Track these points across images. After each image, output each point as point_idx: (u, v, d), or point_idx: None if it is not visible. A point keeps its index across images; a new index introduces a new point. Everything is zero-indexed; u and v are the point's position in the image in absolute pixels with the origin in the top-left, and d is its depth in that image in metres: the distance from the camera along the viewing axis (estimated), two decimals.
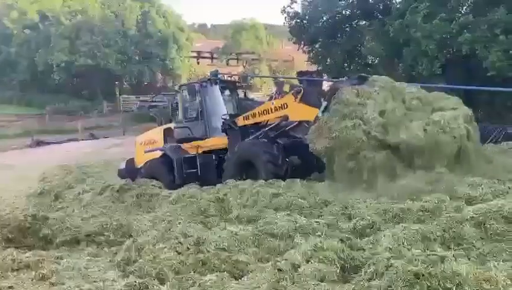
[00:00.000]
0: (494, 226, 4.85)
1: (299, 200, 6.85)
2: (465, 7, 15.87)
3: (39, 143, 26.53)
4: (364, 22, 20.14)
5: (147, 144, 12.81)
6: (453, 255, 3.70)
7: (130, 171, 12.47)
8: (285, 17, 22.20)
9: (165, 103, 36.80)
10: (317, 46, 22.14)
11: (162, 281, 4.20)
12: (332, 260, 4.07)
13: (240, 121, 10.93)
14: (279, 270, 3.94)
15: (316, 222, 5.45)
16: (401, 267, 3.38)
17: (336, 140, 8.14)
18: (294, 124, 10.72)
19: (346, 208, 6.40)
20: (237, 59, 51.43)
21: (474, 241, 4.69)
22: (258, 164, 9.88)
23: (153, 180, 10.02)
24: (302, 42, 22.39)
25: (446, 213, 5.47)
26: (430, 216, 5.48)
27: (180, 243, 4.76)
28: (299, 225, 5.25)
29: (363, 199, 6.80)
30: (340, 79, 10.15)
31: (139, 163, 12.61)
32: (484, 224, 4.94)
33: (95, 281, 4.40)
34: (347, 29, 21.30)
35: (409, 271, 3.29)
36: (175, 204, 7.77)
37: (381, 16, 19.06)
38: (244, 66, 49.51)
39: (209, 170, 11.14)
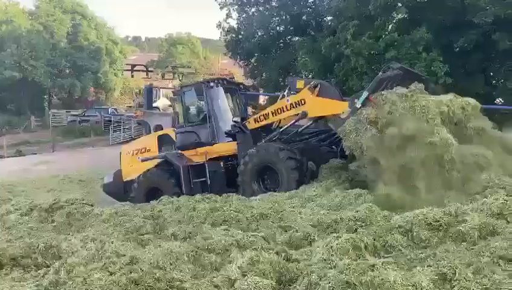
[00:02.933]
0: (419, 233, 5.13)
1: (236, 214, 6.86)
2: (390, 26, 16.77)
3: None
4: (297, 38, 20.71)
5: (137, 153, 11.67)
6: (382, 263, 3.84)
7: (118, 186, 11.55)
8: (221, 32, 22.42)
9: (97, 117, 35.74)
10: (253, 60, 22.48)
11: None
12: (268, 273, 4.10)
13: (251, 124, 10.10)
14: (216, 286, 3.91)
15: (253, 235, 5.47)
16: (333, 277, 3.49)
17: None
18: (310, 123, 10.05)
19: (282, 220, 6.51)
20: (173, 72, 51.01)
21: (402, 249, 4.93)
22: (281, 171, 9.15)
23: (84, 198, 9.49)
24: (238, 57, 22.66)
25: (376, 222, 5.72)
26: (362, 225, 5.69)
27: (112, 262, 4.58)
28: (236, 239, 5.24)
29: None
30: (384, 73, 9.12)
31: (128, 176, 11.53)
32: (411, 231, 5.21)
33: None
34: (281, 44, 21.83)
35: (340, 281, 3.39)
36: (108, 223, 7.48)
37: (313, 32, 19.71)
38: (180, 80, 49.10)
39: (218, 178, 10.28)
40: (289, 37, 21.77)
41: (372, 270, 3.62)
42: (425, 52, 14.68)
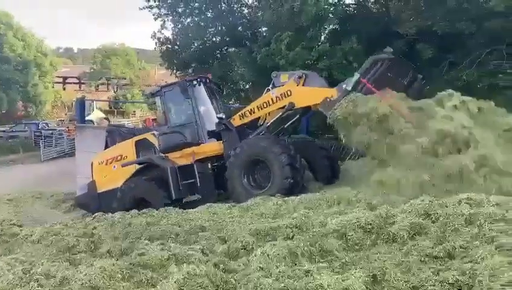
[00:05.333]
0: (353, 236, 5.29)
1: (175, 227, 6.75)
2: (322, 37, 17.32)
3: None
4: (233, 49, 20.86)
5: (111, 162, 11.11)
6: (317, 268, 3.93)
7: (92, 198, 10.89)
8: (156, 43, 22.12)
9: (27, 133, 33.95)
10: (190, 71, 22.34)
11: None
12: (205, 286, 4.06)
13: (236, 120, 9.83)
14: None
15: (191, 248, 5.41)
16: (269, 285, 3.52)
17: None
18: (297, 117, 9.80)
19: (221, 231, 6.49)
20: (107, 84, 49.64)
21: (337, 253, 5.06)
22: (273, 166, 8.77)
23: (12, 218, 8.97)
24: (175, 67, 22.44)
25: (312, 228, 5.84)
26: (298, 232, 5.79)
27: (40, 285, 4.35)
28: (173, 253, 5.16)
29: None
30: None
31: (102, 187, 10.94)
32: (345, 235, 5.37)
33: None
34: (218, 55, 21.87)
35: (275, 288, 3.42)
36: (38, 243, 7.10)
37: (249, 43, 19.94)
38: (114, 92, 47.90)
39: (207, 180, 9.88)
40: (225, 48, 21.88)
41: (307, 276, 3.69)
42: (355, 62, 15.27)
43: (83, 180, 15.42)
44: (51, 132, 32.31)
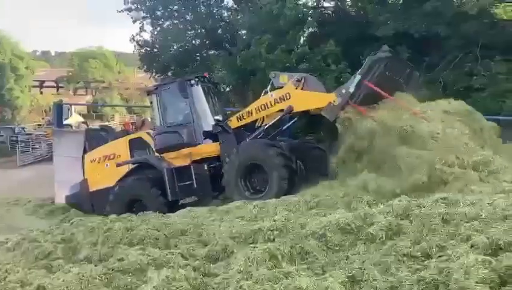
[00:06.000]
0: (332, 237, 5.33)
1: (154, 232, 6.70)
2: (302, 40, 17.43)
3: None
4: (213, 52, 20.83)
5: (104, 160, 10.82)
6: (297, 270, 3.95)
7: (84, 197, 10.60)
8: (135, 46, 21.94)
9: (2, 137, 33.28)
10: (169, 74, 22.20)
11: None
12: None
13: (234, 122, 9.65)
14: None
15: (170, 252, 5.38)
16: (249, 287, 3.52)
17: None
18: (295, 119, 9.70)
19: (201, 235, 6.46)
20: (86, 88, 49.01)
21: (317, 254, 5.09)
22: (269, 168, 8.64)
23: None
24: (154, 70, 22.29)
25: (293, 230, 5.86)
26: (279, 234, 5.80)
27: None
28: (153, 257, 5.12)
29: None
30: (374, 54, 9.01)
31: (95, 185, 10.62)
32: (325, 237, 5.41)
33: None
34: (198, 58, 21.80)
35: None
36: (14, 250, 6.97)
37: (229, 46, 19.94)
38: (93, 95, 47.32)
39: (204, 181, 9.62)
40: (205, 51, 21.82)
41: (287, 278, 3.71)
42: (334, 65, 15.41)
43: (61, 185, 15.25)
44: (27, 136, 31.74)
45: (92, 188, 10.81)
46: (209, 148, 10.04)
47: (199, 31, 21.09)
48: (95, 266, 5.30)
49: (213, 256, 5.43)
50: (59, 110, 17.77)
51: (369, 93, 8.53)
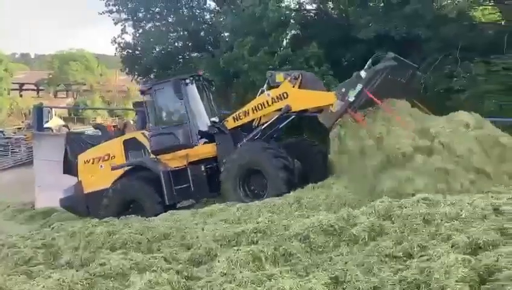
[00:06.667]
0: (316, 239, 5.36)
1: (137, 236, 6.63)
2: (284, 42, 17.49)
3: None
4: (196, 54, 20.77)
5: (98, 161, 10.58)
6: (281, 272, 3.95)
7: (79, 199, 10.34)
8: (116, 48, 21.74)
9: None
10: (152, 76, 22.06)
11: None
12: None
13: (230, 123, 9.46)
14: None
15: (153, 256, 5.33)
16: None
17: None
18: (292, 118, 9.48)
19: (184, 238, 6.42)
20: (66, 90, 48.41)
21: (300, 256, 5.10)
22: (268, 172, 8.49)
23: None
24: (136, 73, 22.13)
25: (276, 232, 5.87)
26: (262, 236, 5.80)
27: None
28: (135, 262, 5.07)
29: None
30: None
31: (89, 187, 10.37)
32: (308, 238, 5.43)
33: None
34: (180, 60, 21.71)
35: None
36: None
37: (211, 48, 19.90)
38: (74, 98, 46.75)
39: (201, 183, 9.45)
40: (188, 53, 21.74)
41: (270, 280, 3.71)
42: (317, 67, 15.50)
43: (42, 189, 15.01)
44: (6, 140, 31.19)
45: (87, 190, 10.59)
46: (206, 149, 9.90)
47: (181, 33, 21.01)
48: (77, 271, 5.22)
49: (196, 259, 5.42)
50: (39, 113, 17.53)
51: (367, 99, 8.44)
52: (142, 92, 10.77)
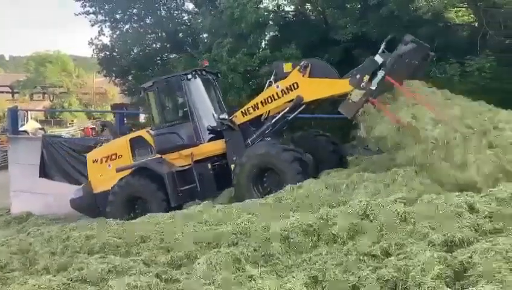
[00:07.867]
0: (295, 239, 5.38)
1: (115, 239, 6.56)
2: (263, 43, 17.55)
3: None
4: (174, 55, 20.68)
5: (106, 160, 10.33)
6: (260, 273, 3.96)
7: (88, 199, 10.16)
8: (94, 50, 21.51)
9: None
10: (130, 78, 21.88)
11: None
12: None
13: (239, 118, 9.09)
14: None
15: (132, 260, 5.28)
16: None
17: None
18: (300, 109, 9.00)
19: (164, 241, 6.37)
20: (43, 93, 47.59)
21: (280, 256, 5.12)
22: (280, 168, 8.24)
23: None
24: (114, 75, 21.93)
25: (256, 233, 5.88)
26: (242, 238, 5.80)
27: None
28: (113, 265, 5.02)
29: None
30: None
31: (98, 187, 10.17)
32: (288, 238, 5.45)
33: None
34: (159, 61, 21.59)
35: None
36: None
37: (190, 49, 19.84)
38: (51, 101, 45.95)
39: (208, 182, 9.18)
40: (166, 54, 21.64)
41: (250, 281, 3.72)
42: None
43: (17, 193, 14.69)
44: None
45: (96, 190, 10.41)
46: (212, 146, 9.62)
47: (160, 34, 20.93)
48: (54, 276, 5.14)
49: (176, 262, 5.39)
50: (14, 115, 17.13)
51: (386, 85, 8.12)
52: (144, 90, 10.45)
